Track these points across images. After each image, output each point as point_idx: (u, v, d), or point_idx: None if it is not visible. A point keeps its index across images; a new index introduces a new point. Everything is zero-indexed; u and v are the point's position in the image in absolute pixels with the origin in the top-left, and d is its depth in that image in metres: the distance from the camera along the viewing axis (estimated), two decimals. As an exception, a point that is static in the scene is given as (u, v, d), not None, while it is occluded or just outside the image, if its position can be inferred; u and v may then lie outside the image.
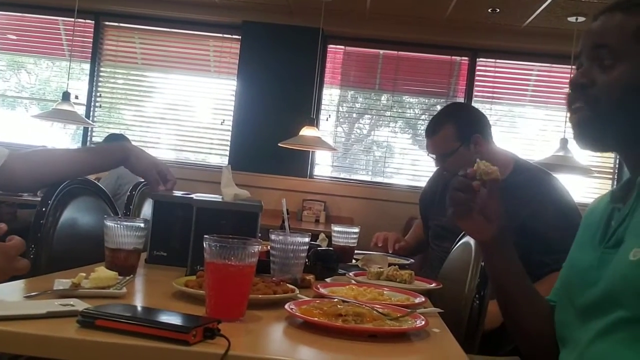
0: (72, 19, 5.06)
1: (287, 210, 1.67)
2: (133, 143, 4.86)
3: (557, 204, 2.01)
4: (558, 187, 2.08)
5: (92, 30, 5.55)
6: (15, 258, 1.06)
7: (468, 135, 2.13)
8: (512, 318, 1.20)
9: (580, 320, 1.02)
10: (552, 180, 2.09)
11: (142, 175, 1.78)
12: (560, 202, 2.02)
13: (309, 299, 1.21)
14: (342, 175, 5.54)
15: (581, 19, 4.57)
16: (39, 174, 1.62)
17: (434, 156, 2.24)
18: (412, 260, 2.27)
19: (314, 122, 4.58)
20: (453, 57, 5.47)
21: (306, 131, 4.42)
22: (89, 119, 5.38)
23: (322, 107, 5.50)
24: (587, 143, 1.03)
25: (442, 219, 2.29)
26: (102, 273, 1.17)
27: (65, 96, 4.68)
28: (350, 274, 1.67)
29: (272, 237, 1.43)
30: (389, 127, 5.61)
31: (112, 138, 4.63)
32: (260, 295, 1.16)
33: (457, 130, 2.14)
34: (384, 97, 5.66)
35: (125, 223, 1.38)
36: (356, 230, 2.11)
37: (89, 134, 5.62)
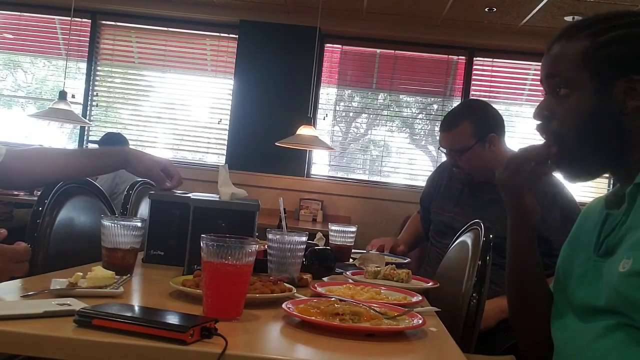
0: (69, 18, 5.05)
1: (284, 209, 1.67)
2: (130, 142, 4.87)
3: (563, 208, 2.03)
4: (565, 192, 2.10)
5: (89, 29, 5.54)
6: (16, 263, 1.06)
7: (485, 134, 2.13)
8: (524, 311, 1.18)
9: (578, 320, 1.01)
10: (560, 184, 2.11)
11: (146, 175, 1.75)
12: (566, 207, 2.04)
13: (306, 298, 1.21)
14: (339, 174, 5.54)
15: (577, 18, 4.58)
16: (35, 174, 1.61)
17: (445, 150, 2.23)
18: (410, 260, 2.28)
19: (311, 121, 4.58)
20: (450, 56, 5.47)
21: (303, 130, 4.41)
22: (85, 118, 5.37)
23: (319, 106, 5.50)
24: (575, 180, 1.06)
25: (445, 214, 2.29)
26: (99, 272, 1.17)
27: (62, 95, 4.67)
28: (348, 273, 1.67)
29: (270, 236, 1.43)
30: (386, 126, 5.61)
31: (109, 137, 4.62)
32: (257, 295, 1.16)
33: (475, 128, 2.13)
34: (381, 96, 5.67)
35: (122, 222, 1.38)
36: (353, 229, 2.11)
37: (86, 133, 5.61)
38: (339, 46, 5.57)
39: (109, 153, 1.81)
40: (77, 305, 0.97)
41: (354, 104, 5.75)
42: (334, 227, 2.10)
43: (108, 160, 1.73)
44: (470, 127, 2.14)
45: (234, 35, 5.45)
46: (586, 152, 1.01)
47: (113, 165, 1.74)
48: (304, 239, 1.45)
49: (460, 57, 5.44)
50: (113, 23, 5.63)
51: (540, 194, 2.05)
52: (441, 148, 2.26)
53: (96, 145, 4.66)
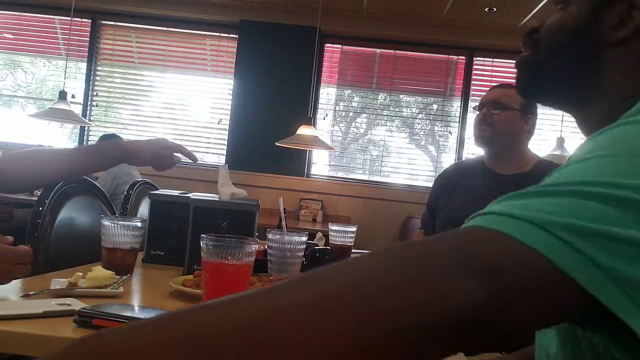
0: (69, 18, 5.05)
1: (284, 209, 1.67)
2: (130, 142, 4.86)
3: None
4: None
5: (89, 29, 5.54)
6: (16, 264, 1.06)
7: (527, 111, 2.20)
8: None
9: None
10: None
11: (152, 161, 1.71)
12: None
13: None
14: (339, 174, 5.54)
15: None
16: (32, 175, 1.60)
17: (485, 105, 2.20)
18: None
19: (311, 121, 4.58)
20: (450, 56, 5.47)
21: (303, 130, 4.41)
22: (85, 118, 5.37)
23: (319, 106, 5.51)
24: (525, 91, 0.88)
25: (464, 206, 2.23)
26: (99, 272, 1.17)
27: (62, 95, 4.67)
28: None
29: (270, 236, 1.43)
30: (386, 126, 5.61)
31: (106, 139, 4.62)
32: (257, 295, 1.16)
33: (524, 102, 2.19)
34: (380, 96, 5.67)
35: (122, 222, 1.38)
36: (353, 229, 2.11)
37: (86, 133, 5.61)
38: (339, 46, 5.57)
39: (104, 148, 1.77)
40: (77, 305, 0.97)
41: (353, 104, 5.75)
42: (334, 227, 2.10)
43: (104, 156, 1.68)
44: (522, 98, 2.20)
45: (234, 35, 5.45)
46: (554, 73, 0.83)
47: (110, 160, 1.69)
48: (304, 239, 1.45)
49: (460, 57, 5.44)
50: (113, 23, 5.63)
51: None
52: (477, 107, 2.25)
53: None
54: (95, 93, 5.60)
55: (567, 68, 0.81)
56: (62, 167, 1.64)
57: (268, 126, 5.18)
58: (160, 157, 1.70)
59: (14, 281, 1.17)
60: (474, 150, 4.89)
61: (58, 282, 1.12)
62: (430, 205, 2.44)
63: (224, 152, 5.42)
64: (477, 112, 2.25)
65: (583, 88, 0.80)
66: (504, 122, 2.18)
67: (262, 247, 1.49)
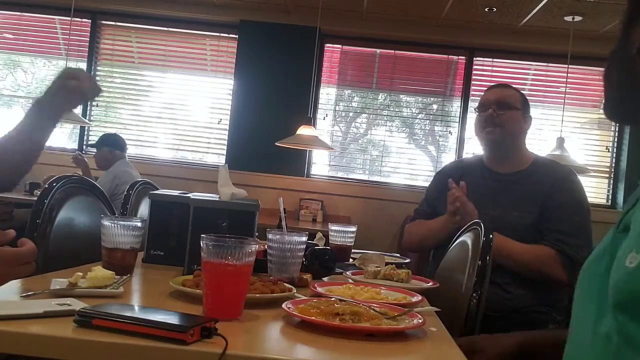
0: (69, 18, 5.05)
1: (284, 209, 1.67)
2: (130, 142, 4.88)
3: (574, 193, 2.10)
4: (576, 179, 2.18)
5: (89, 29, 5.53)
6: (20, 265, 1.04)
7: (527, 111, 2.25)
8: None
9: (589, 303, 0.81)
10: (571, 172, 2.20)
11: (75, 95, 1.58)
12: (577, 192, 2.12)
13: (306, 298, 1.21)
14: (339, 175, 5.54)
15: (578, 18, 4.58)
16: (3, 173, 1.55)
17: (491, 106, 2.19)
18: (409, 260, 2.27)
19: (311, 121, 4.58)
20: (450, 57, 5.47)
21: (303, 130, 4.41)
22: (85, 118, 5.37)
23: (319, 106, 5.50)
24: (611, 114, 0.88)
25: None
26: (99, 272, 1.17)
27: (62, 95, 4.65)
28: (348, 272, 1.67)
29: (270, 236, 1.43)
30: (386, 126, 5.61)
31: (106, 138, 4.61)
32: (257, 295, 1.16)
33: (522, 101, 2.26)
34: (380, 96, 5.66)
35: (122, 222, 1.38)
36: (353, 229, 2.12)
37: (86, 133, 5.61)
38: (339, 46, 5.57)
39: (45, 103, 1.59)
40: (77, 305, 0.97)
41: (353, 104, 5.75)
42: (334, 227, 2.10)
43: (50, 107, 1.56)
44: (520, 97, 2.26)
45: (234, 35, 5.45)
46: (612, 94, 0.83)
47: (57, 111, 1.58)
48: (304, 239, 1.45)
49: (460, 57, 5.44)
50: (113, 23, 5.63)
51: (551, 180, 2.12)
52: (479, 107, 2.25)
53: (94, 149, 4.65)
54: (95, 93, 5.58)
55: (620, 92, 0.81)
56: (18, 144, 1.53)
57: (268, 126, 5.17)
58: (72, 87, 1.56)
59: (13, 281, 1.17)
60: (474, 150, 4.89)
61: (58, 282, 1.12)
62: (431, 200, 2.41)
63: (224, 152, 5.42)
64: (479, 113, 2.25)
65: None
66: (511, 121, 2.20)
67: (262, 247, 1.49)
